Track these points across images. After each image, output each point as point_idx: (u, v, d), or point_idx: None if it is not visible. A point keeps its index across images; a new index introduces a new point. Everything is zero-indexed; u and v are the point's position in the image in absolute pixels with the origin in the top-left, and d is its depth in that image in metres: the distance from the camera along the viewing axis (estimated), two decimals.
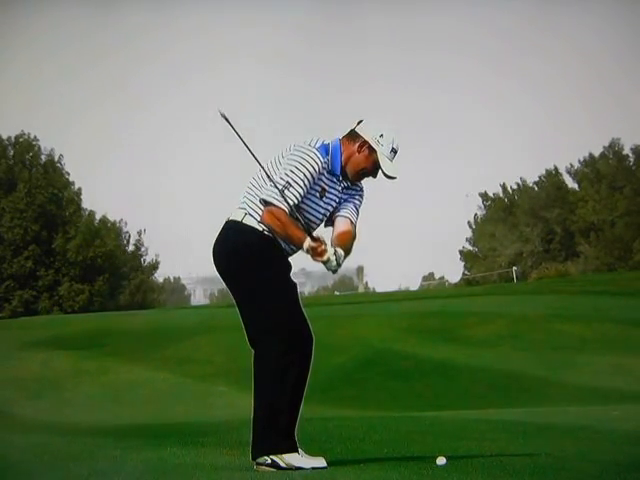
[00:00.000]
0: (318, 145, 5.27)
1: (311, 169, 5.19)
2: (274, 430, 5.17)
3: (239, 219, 5.26)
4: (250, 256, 5.21)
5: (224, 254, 5.28)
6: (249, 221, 5.24)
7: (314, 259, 5.17)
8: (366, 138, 5.33)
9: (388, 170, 5.33)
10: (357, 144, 5.34)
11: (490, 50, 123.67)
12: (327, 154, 5.28)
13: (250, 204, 5.28)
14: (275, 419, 5.17)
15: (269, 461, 5.14)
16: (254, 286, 5.20)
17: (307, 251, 5.14)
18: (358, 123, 5.41)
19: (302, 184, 5.16)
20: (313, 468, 5.17)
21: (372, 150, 5.33)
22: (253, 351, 5.26)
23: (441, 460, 5.26)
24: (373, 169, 5.36)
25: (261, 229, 5.22)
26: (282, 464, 5.13)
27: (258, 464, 5.18)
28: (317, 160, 5.20)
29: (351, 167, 5.35)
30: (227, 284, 5.34)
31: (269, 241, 5.21)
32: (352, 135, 5.38)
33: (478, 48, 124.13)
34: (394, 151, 5.35)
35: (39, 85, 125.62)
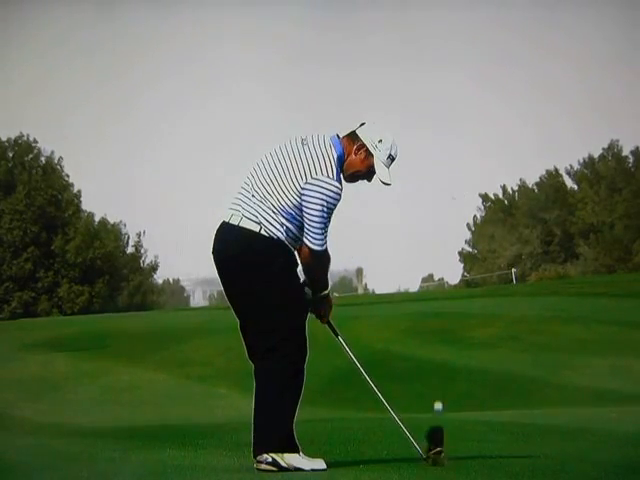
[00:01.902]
0: (336, 173, 5.21)
1: (337, 203, 5.23)
2: (278, 430, 5.19)
3: (256, 230, 5.20)
4: (276, 270, 5.22)
5: (243, 267, 5.22)
6: (267, 232, 5.21)
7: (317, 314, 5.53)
8: (365, 142, 5.32)
9: (382, 177, 5.33)
10: (355, 146, 5.34)
11: (492, 53, 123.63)
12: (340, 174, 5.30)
13: (263, 220, 5.21)
14: (280, 419, 5.19)
15: (270, 459, 5.14)
16: (278, 298, 5.22)
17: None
18: (361, 125, 5.42)
19: (330, 219, 5.26)
20: (312, 470, 5.18)
21: (369, 154, 5.33)
22: (266, 357, 5.23)
23: (438, 405, 5.27)
24: (367, 173, 5.37)
25: (277, 238, 5.20)
26: (282, 463, 5.14)
27: (258, 462, 5.19)
28: (340, 194, 5.22)
29: (346, 168, 5.34)
30: (240, 295, 5.28)
31: (288, 249, 5.26)
32: (352, 136, 5.37)
33: (480, 53, 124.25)
34: (391, 158, 5.35)
35: (39, 87, 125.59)
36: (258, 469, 5.19)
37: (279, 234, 5.21)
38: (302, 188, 5.16)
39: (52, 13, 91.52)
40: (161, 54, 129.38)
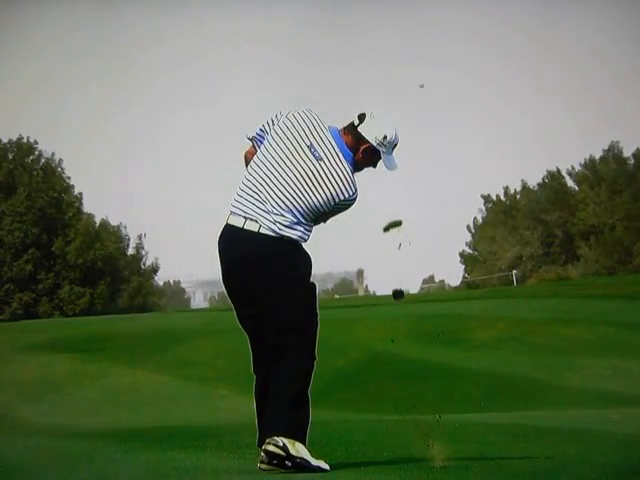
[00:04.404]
0: (355, 183, 5.38)
1: None
2: (297, 417, 5.21)
3: (278, 237, 5.25)
4: (299, 271, 5.33)
5: (267, 269, 5.25)
6: (288, 238, 5.27)
7: None
8: (370, 141, 5.39)
9: (391, 167, 5.47)
10: (362, 148, 5.39)
11: (494, 54, 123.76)
12: None
13: (283, 228, 5.26)
14: (301, 410, 5.24)
15: (281, 443, 5.10)
16: (302, 298, 5.32)
17: None
18: (360, 119, 5.42)
19: None
20: (318, 467, 5.16)
21: (375, 150, 5.41)
22: (285, 355, 5.27)
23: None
24: (373, 164, 5.49)
25: (297, 243, 5.32)
26: (292, 450, 5.10)
27: (268, 443, 5.13)
28: None
29: (354, 165, 5.43)
30: (261, 296, 5.30)
31: (306, 252, 5.40)
32: (356, 136, 5.41)
33: (482, 53, 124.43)
34: (395, 145, 5.47)
35: (39, 89, 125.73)
36: (266, 450, 5.12)
37: (300, 238, 5.32)
38: (330, 209, 5.35)
39: (51, 13, 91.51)
40: (161, 54, 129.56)
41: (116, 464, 5.91)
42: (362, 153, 5.40)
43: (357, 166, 5.43)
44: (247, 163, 5.57)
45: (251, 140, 5.58)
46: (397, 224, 5.53)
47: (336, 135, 5.42)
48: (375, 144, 5.38)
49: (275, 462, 5.14)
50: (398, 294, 5.71)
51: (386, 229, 5.53)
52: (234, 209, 5.36)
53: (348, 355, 21.50)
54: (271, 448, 5.11)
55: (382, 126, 5.40)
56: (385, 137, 5.38)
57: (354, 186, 5.37)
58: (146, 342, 25.07)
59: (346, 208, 5.43)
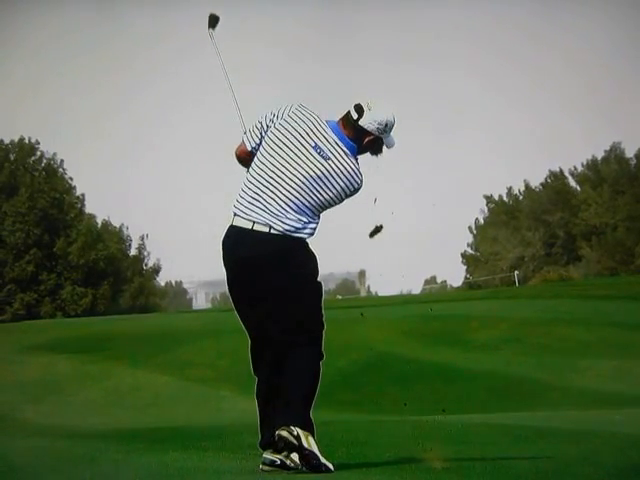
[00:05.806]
0: (360, 173, 5.44)
1: None
2: (308, 416, 5.24)
3: (288, 236, 5.29)
4: (309, 270, 5.39)
5: (280, 268, 5.29)
6: (299, 237, 5.32)
7: None
8: (373, 133, 5.41)
9: (391, 145, 5.51)
10: (365, 140, 5.41)
11: (496, 55, 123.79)
12: None
13: (292, 228, 5.29)
14: (310, 402, 5.29)
15: (295, 433, 5.09)
16: (313, 297, 5.39)
17: None
18: (358, 112, 5.41)
19: None
20: (324, 465, 5.13)
21: (378, 138, 5.45)
22: (298, 352, 5.29)
23: None
24: (372, 149, 5.55)
25: (306, 240, 5.38)
26: (304, 443, 5.09)
27: (282, 430, 5.11)
28: None
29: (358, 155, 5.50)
30: (271, 295, 5.31)
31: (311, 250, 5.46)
32: (356, 128, 5.40)
33: (484, 55, 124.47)
34: (393, 126, 5.50)
35: (40, 90, 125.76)
36: (279, 434, 5.11)
37: (309, 235, 5.38)
38: (339, 201, 5.43)
39: (51, 13, 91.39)
40: (162, 54, 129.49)
41: (118, 465, 5.92)
42: (366, 144, 5.44)
43: (359, 153, 5.48)
44: (240, 161, 5.58)
45: (251, 151, 5.52)
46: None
47: (337, 130, 5.42)
48: (378, 134, 5.42)
49: (277, 463, 5.16)
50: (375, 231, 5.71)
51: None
52: (239, 212, 5.35)
53: (349, 356, 21.48)
54: (285, 434, 5.10)
55: (382, 115, 5.42)
56: (386, 124, 5.42)
57: (361, 176, 5.44)
58: (148, 343, 25.08)
59: (353, 195, 5.49)
